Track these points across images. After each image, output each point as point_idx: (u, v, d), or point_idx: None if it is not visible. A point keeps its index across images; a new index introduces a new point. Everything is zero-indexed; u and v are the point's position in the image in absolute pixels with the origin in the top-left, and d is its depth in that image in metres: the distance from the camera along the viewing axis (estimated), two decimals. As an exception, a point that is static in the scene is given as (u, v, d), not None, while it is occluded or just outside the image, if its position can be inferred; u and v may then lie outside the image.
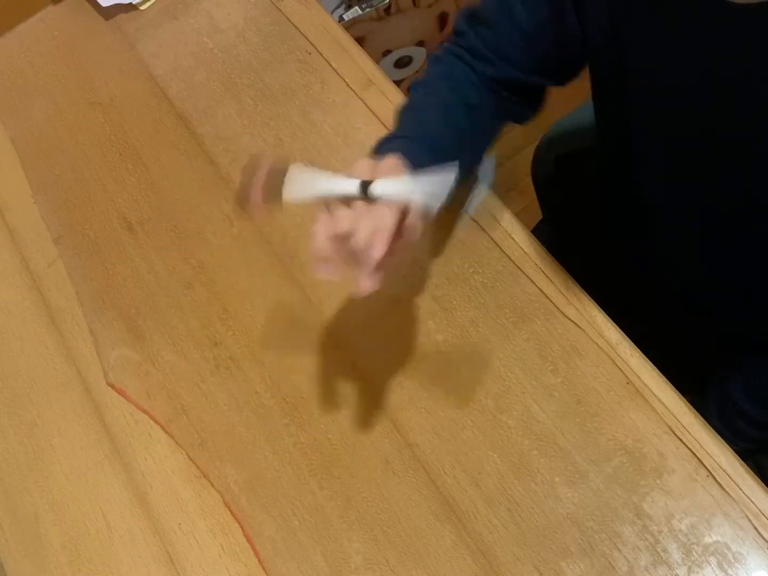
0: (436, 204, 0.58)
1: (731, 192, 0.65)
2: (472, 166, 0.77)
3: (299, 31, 0.97)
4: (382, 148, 0.68)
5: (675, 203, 0.72)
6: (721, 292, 0.77)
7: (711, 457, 0.65)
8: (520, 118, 0.79)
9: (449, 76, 0.74)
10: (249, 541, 0.71)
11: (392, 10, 1.43)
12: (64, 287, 0.87)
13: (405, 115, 0.73)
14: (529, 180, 1.10)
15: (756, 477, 0.65)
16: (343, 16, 1.42)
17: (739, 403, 0.80)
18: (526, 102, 0.77)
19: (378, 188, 0.58)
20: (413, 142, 0.67)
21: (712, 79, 0.58)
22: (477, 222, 0.79)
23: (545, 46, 0.70)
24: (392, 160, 0.61)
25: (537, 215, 1.12)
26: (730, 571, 0.62)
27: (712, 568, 0.62)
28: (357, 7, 1.42)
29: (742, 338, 0.80)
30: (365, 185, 0.58)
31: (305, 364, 0.77)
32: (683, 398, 0.68)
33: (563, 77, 0.76)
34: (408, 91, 0.77)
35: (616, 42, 0.64)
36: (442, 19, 1.52)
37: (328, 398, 0.75)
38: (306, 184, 0.60)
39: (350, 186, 0.58)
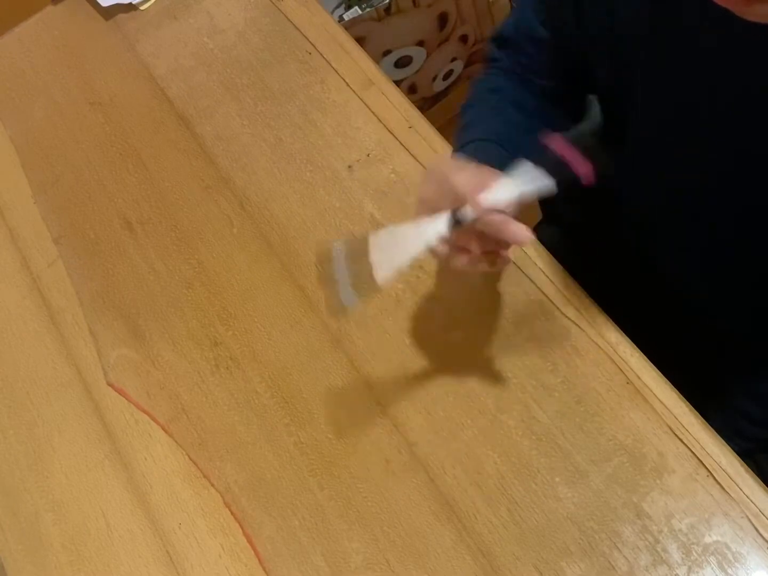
0: (538, 187, 0.57)
1: (732, 198, 0.65)
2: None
3: (299, 31, 0.97)
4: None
5: (675, 206, 0.72)
6: (722, 292, 0.77)
7: (711, 457, 0.65)
8: (561, 128, 0.79)
9: (494, 88, 0.75)
10: (249, 541, 0.71)
11: (392, 10, 1.43)
12: (64, 287, 0.87)
13: (463, 130, 0.73)
14: (529, 180, 1.10)
15: (756, 477, 0.65)
16: (343, 16, 1.42)
17: (739, 403, 0.80)
18: (564, 111, 0.77)
19: (469, 213, 0.56)
20: (483, 141, 0.68)
21: (716, 95, 0.59)
22: (477, 222, 0.79)
23: (563, 58, 0.72)
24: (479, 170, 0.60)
25: (537, 215, 1.12)
26: (730, 571, 0.62)
27: (712, 568, 0.62)
28: (357, 7, 1.42)
29: (742, 338, 0.80)
30: (457, 217, 0.56)
31: (305, 364, 0.77)
32: (683, 398, 0.68)
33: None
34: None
35: (616, 56, 0.65)
36: (442, 19, 1.52)
37: (328, 398, 0.75)
38: (393, 254, 0.56)
39: (439, 226, 0.56)
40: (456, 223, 0.56)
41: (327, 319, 0.79)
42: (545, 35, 0.72)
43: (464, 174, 0.59)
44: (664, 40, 0.60)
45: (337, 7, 1.42)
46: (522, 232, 0.57)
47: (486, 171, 0.60)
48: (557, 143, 0.58)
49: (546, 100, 0.75)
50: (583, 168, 0.58)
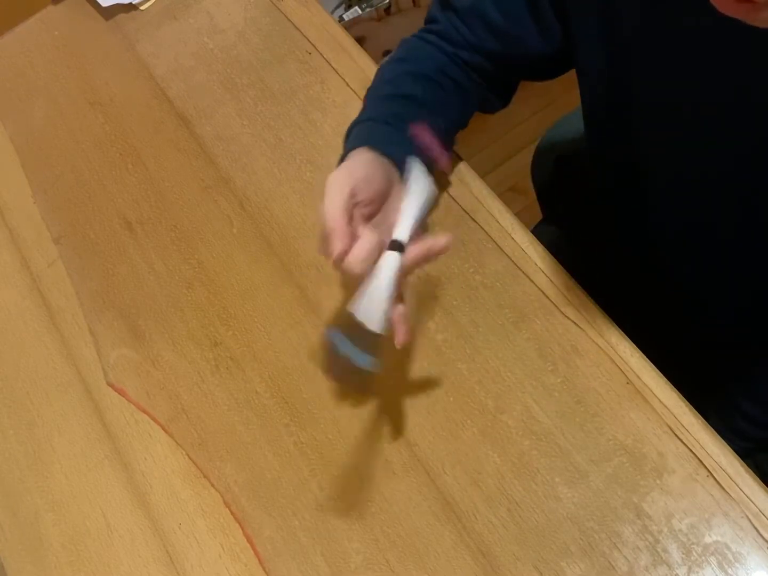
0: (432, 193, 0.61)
1: (733, 199, 0.65)
2: (447, 129, 0.76)
3: (299, 31, 0.97)
4: (348, 140, 0.71)
5: (675, 206, 0.72)
6: (722, 292, 0.77)
7: (711, 457, 0.65)
8: (488, 107, 0.80)
9: (407, 55, 0.76)
10: (249, 541, 0.71)
11: (392, 10, 1.43)
12: (64, 287, 0.87)
13: (366, 97, 0.76)
14: (529, 180, 1.10)
15: (756, 477, 0.64)
16: (343, 16, 1.42)
17: (739, 403, 0.80)
18: (495, 91, 0.78)
19: (403, 235, 0.60)
20: (375, 123, 0.70)
21: (715, 95, 0.59)
22: (477, 222, 0.79)
23: (519, 48, 0.72)
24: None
25: (537, 215, 1.12)
26: (730, 571, 0.62)
27: (712, 568, 0.62)
28: (357, 7, 1.42)
29: (742, 338, 0.80)
30: (398, 246, 0.60)
31: (305, 364, 0.77)
32: (683, 398, 0.68)
33: (538, 77, 0.78)
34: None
35: (614, 65, 0.65)
36: (442, 19, 1.52)
37: (328, 398, 0.75)
38: (374, 306, 0.59)
39: (393, 263, 0.60)
40: (400, 249, 0.60)
41: (327, 318, 0.79)
42: (500, 22, 0.71)
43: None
44: (662, 38, 0.60)
45: (337, 7, 1.42)
46: (442, 242, 0.60)
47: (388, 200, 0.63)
48: (424, 136, 0.61)
49: (463, 72, 0.75)
50: (442, 157, 0.61)
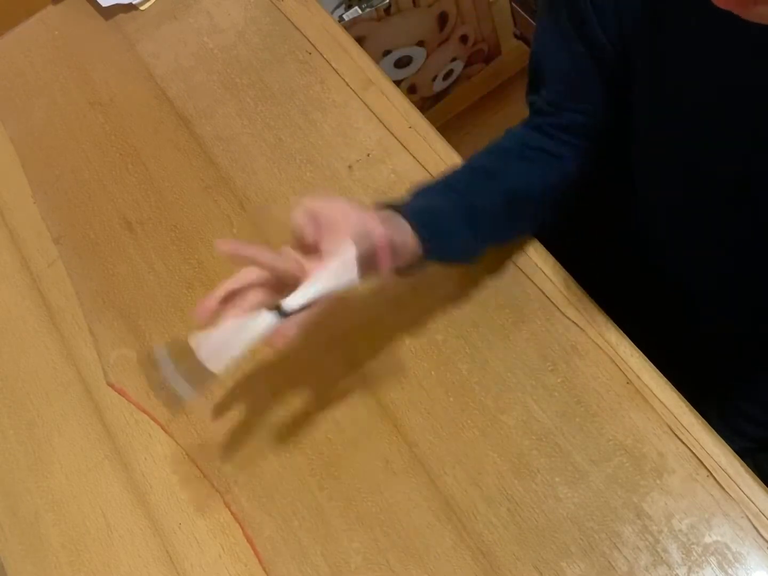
0: (347, 283, 0.58)
1: (735, 199, 0.65)
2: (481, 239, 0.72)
3: (299, 31, 0.97)
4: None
5: (676, 206, 0.72)
6: (722, 292, 0.77)
7: (711, 457, 0.65)
8: (584, 162, 0.76)
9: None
10: (249, 541, 0.71)
11: (392, 10, 1.43)
12: (64, 287, 0.87)
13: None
14: (529, 180, 1.10)
15: (756, 477, 0.64)
16: (343, 16, 1.42)
17: (739, 402, 0.80)
18: (595, 141, 0.74)
19: (292, 304, 0.57)
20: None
21: (727, 96, 0.59)
22: (477, 222, 0.79)
23: (592, 81, 0.69)
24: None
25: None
26: (730, 571, 0.62)
27: (712, 568, 0.62)
28: (357, 7, 1.42)
29: (742, 337, 0.80)
30: (282, 312, 0.56)
31: (305, 365, 0.77)
32: (683, 398, 0.68)
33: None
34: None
35: (625, 57, 0.65)
36: (442, 19, 1.52)
37: (328, 398, 0.75)
38: (223, 348, 0.56)
39: (266, 323, 0.56)
40: (282, 314, 0.57)
41: (327, 318, 0.78)
42: (572, 62, 0.69)
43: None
44: (677, 39, 0.60)
45: (337, 7, 1.42)
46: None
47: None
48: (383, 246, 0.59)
49: (558, 140, 0.72)
50: (385, 264, 0.59)
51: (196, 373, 0.58)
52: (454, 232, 0.67)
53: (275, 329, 0.57)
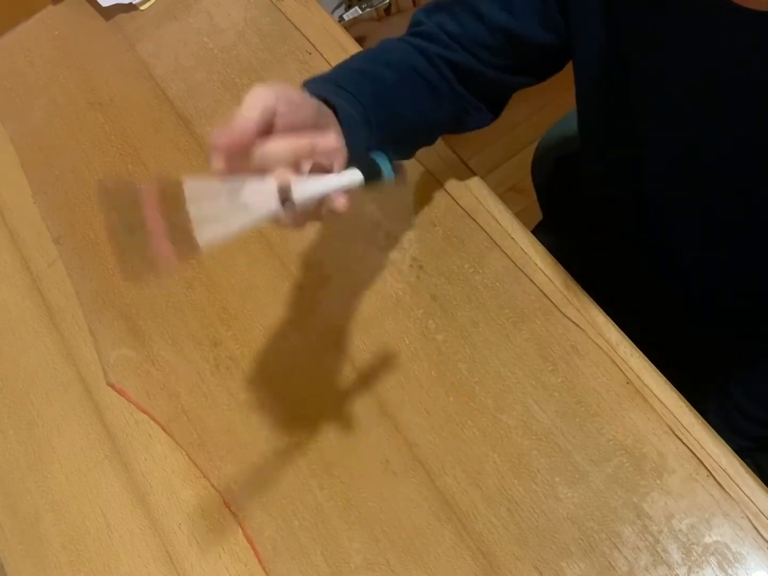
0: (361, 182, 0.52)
1: (732, 193, 0.65)
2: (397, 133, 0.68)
3: (299, 31, 0.97)
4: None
5: (675, 203, 0.72)
6: (722, 292, 0.77)
7: (711, 457, 0.65)
8: (476, 122, 0.74)
9: (380, 47, 0.70)
10: (249, 541, 0.71)
11: (392, 10, 1.43)
12: (64, 287, 0.87)
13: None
14: (529, 180, 1.10)
15: (756, 477, 0.64)
16: (343, 16, 1.42)
17: (739, 401, 0.80)
18: (486, 100, 0.72)
19: (299, 194, 0.50)
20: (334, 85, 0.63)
21: (716, 83, 0.59)
22: (477, 222, 0.79)
23: (519, 46, 0.68)
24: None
25: (537, 215, 1.12)
26: (730, 571, 0.62)
27: (712, 568, 0.62)
28: (357, 7, 1.42)
29: (742, 337, 0.80)
30: (285, 196, 0.49)
31: (305, 364, 0.77)
32: (683, 398, 0.68)
33: (533, 75, 0.72)
34: None
35: (614, 45, 0.64)
36: (442, 19, 1.52)
37: (328, 398, 0.75)
38: (216, 217, 0.48)
39: (270, 203, 0.49)
40: (285, 201, 0.49)
41: (327, 318, 0.79)
42: (499, 17, 0.66)
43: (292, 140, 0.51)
44: (665, 26, 0.60)
45: (337, 7, 1.42)
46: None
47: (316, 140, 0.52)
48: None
49: (444, 79, 0.69)
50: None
51: (180, 232, 0.48)
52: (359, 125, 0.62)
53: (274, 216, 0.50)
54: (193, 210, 0.47)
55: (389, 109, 0.65)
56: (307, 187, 0.51)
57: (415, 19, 0.73)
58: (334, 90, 0.62)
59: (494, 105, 0.75)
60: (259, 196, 0.49)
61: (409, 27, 0.74)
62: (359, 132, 0.60)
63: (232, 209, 0.49)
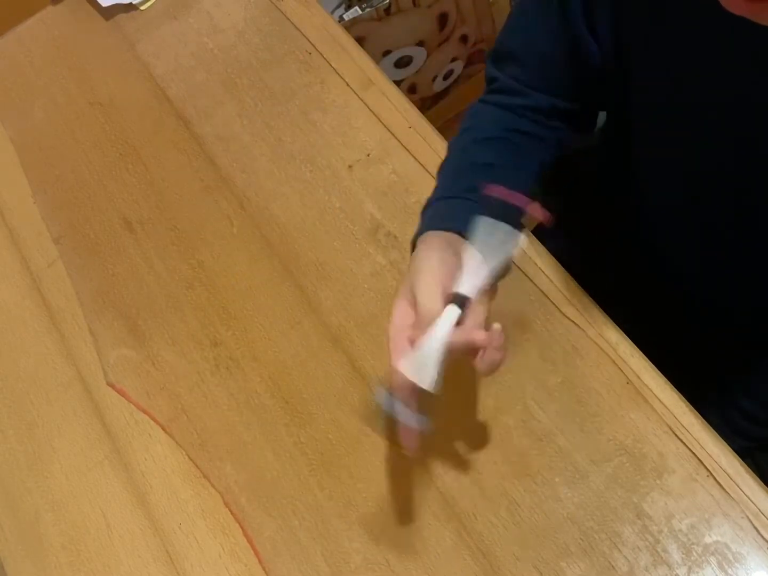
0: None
1: (732, 195, 0.65)
2: (529, 182, 0.72)
3: (299, 31, 0.97)
4: (423, 220, 0.68)
5: (675, 204, 0.72)
6: (722, 292, 0.77)
7: (711, 457, 0.65)
8: (568, 143, 0.77)
9: (471, 123, 0.73)
10: (249, 541, 0.71)
11: (392, 10, 1.43)
12: (64, 287, 0.87)
13: (438, 173, 0.73)
14: (529, 180, 1.10)
15: (756, 477, 0.64)
16: (343, 16, 1.42)
17: (739, 402, 0.80)
18: (576, 126, 0.75)
19: (465, 289, 0.58)
20: (448, 200, 0.67)
21: (716, 85, 0.59)
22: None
23: (571, 71, 0.69)
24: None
25: (537, 215, 1.11)
26: (730, 571, 0.62)
27: (712, 568, 0.62)
28: (357, 7, 1.42)
29: (742, 337, 0.80)
30: (459, 300, 0.57)
31: (305, 364, 0.77)
32: (683, 398, 0.68)
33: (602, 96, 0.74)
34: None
35: (619, 55, 0.65)
36: (442, 19, 1.52)
37: (328, 398, 0.75)
38: (425, 367, 0.57)
39: (450, 318, 0.57)
40: (460, 304, 0.57)
41: (327, 318, 0.79)
42: (548, 49, 0.69)
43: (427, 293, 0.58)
44: (668, 36, 0.60)
45: (337, 7, 1.42)
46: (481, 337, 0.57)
47: (447, 265, 0.59)
48: (500, 191, 0.58)
49: (535, 124, 0.72)
50: (534, 208, 0.58)
51: (418, 398, 0.58)
52: None
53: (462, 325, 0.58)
54: (413, 377, 0.57)
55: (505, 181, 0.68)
56: (466, 282, 0.58)
57: (488, 77, 0.75)
58: (453, 210, 0.66)
59: (585, 126, 0.78)
60: (443, 319, 0.57)
61: (486, 84, 0.76)
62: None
63: (431, 354, 0.57)
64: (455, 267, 0.59)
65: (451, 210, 0.66)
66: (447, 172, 0.72)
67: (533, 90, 0.71)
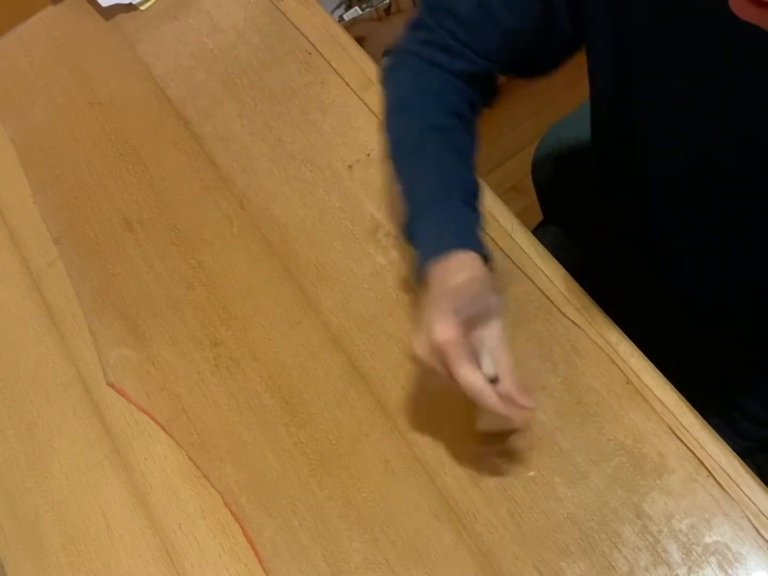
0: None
1: (732, 194, 0.65)
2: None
3: (299, 31, 0.97)
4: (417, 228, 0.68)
5: (675, 204, 0.72)
6: (722, 293, 0.77)
7: (711, 457, 0.65)
8: (479, 108, 0.76)
9: (428, 90, 0.71)
10: (249, 541, 0.71)
11: (392, 10, 1.43)
12: (64, 287, 0.87)
13: (407, 165, 0.71)
14: (529, 180, 1.10)
15: (756, 477, 0.64)
16: (343, 16, 1.42)
17: (739, 402, 0.80)
18: (485, 91, 0.75)
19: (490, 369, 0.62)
20: (446, 209, 0.67)
21: (717, 85, 0.59)
22: (477, 222, 0.79)
23: (525, 44, 0.69)
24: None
25: (537, 215, 1.12)
26: (730, 571, 0.62)
27: (712, 568, 0.62)
28: (357, 7, 1.42)
29: (742, 337, 0.80)
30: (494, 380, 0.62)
31: (305, 364, 0.77)
32: (683, 398, 0.68)
33: (536, 73, 0.75)
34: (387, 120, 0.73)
35: (621, 49, 0.64)
36: (442, 19, 1.52)
37: (328, 398, 0.75)
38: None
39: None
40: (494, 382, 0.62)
41: (327, 318, 0.79)
42: (506, 19, 0.67)
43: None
44: (670, 33, 0.60)
45: (337, 7, 1.42)
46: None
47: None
48: None
49: (467, 88, 0.71)
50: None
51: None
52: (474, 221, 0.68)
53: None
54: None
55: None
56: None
57: (420, 21, 0.73)
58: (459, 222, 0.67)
59: (491, 93, 0.77)
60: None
61: (412, 28, 0.74)
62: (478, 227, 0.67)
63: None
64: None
65: (453, 222, 0.66)
66: (416, 168, 0.70)
67: (473, 53, 0.69)
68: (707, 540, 0.63)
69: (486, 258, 0.65)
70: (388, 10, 1.43)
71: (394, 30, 1.48)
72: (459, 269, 0.62)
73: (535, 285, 0.75)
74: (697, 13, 0.57)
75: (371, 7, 1.41)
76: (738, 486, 0.64)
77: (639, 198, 0.76)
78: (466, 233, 0.65)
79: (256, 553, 0.70)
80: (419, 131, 0.70)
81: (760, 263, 0.70)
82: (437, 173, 0.68)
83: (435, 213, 0.67)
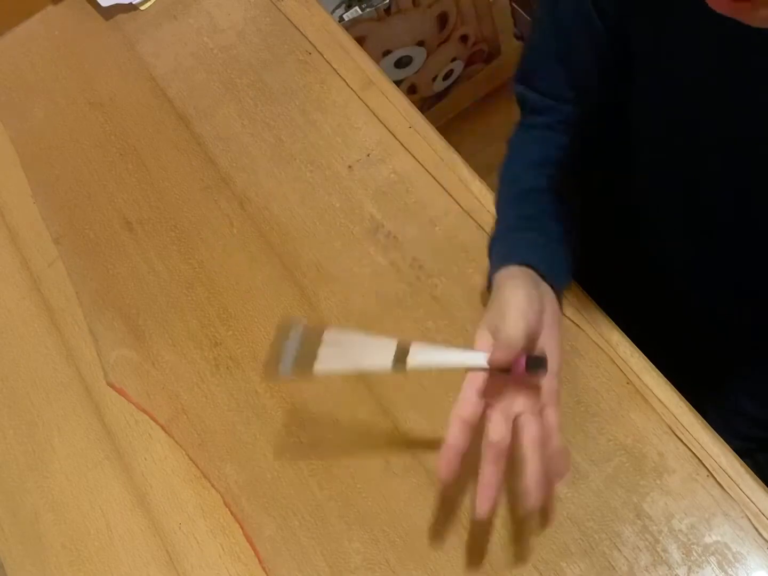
0: None
1: (732, 195, 0.65)
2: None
3: (299, 31, 0.97)
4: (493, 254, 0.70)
5: (675, 204, 0.72)
6: (722, 292, 0.77)
7: (711, 457, 0.65)
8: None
9: (515, 153, 0.76)
10: (249, 541, 0.71)
11: (392, 10, 1.43)
12: (64, 287, 0.87)
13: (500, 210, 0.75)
14: (529, 180, 1.10)
15: (756, 477, 0.64)
16: (343, 16, 1.42)
17: (739, 402, 0.80)
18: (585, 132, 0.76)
19: (414, 358, 0.60)
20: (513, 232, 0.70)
21: (716, 85, 0.59)
22: (477, 222, 0.80)
23: (589, 64, 0.70)
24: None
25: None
26: (730, 571, 0.62)
27: (712, 568, 0.62)
28: (357, 7, 1.42)
29: (742, 337, 0.80)
30: (401, 354, 0.60)
31: (305, 364, 0.77)
32: (683, 398, 0.68)
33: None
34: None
35: (621, 43, 0.65)
36: (442, 19, 1.52)
37: (328, 398, 0.75)
38: (341, 356, 0.59)
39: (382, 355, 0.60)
40: (397, 363, 0.60)
41: (327, 318, 0.79)
42: (576, 60, 0.70)
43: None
44: (672, 23, 0.60)
45: (337, 7, 1.42)
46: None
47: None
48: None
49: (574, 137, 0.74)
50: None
51: (304, 361, 0.61)
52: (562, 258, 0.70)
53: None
54: (324, 349, 0.60)
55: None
56: (424, 357, 0.60)
57: (517, 97, 0.77)
58: (522, 242, 0.69)
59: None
60: (377, 350, 0.59)
61: (519, 107, 0.78)
62: (562, 263, 0.69)
63: (352, 354, 0.60)
64: (540, 304, 0.62)
65: (518, 243, 0.68)
66: (504, 203, 0.74)
67: (562, 101, 0.73)
68: (707, 540, 0.63)
69: (544, 276, 0.66)
70: (388, 10, 1.43)
71: (394, 30, 1.48)
72: (508, 281, 0.64)
73: (535, 285, 0.75)
74: (696, 23, 0.57)
75: (371, 7, 1.41)
76: (738, 486, 0.64)
77: (639, 199, 0.76)
78: (532, 251, 0.67)
79: (256, 553, 0.70)
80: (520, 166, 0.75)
81: (760, 264, 0.70)
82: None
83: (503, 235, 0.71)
